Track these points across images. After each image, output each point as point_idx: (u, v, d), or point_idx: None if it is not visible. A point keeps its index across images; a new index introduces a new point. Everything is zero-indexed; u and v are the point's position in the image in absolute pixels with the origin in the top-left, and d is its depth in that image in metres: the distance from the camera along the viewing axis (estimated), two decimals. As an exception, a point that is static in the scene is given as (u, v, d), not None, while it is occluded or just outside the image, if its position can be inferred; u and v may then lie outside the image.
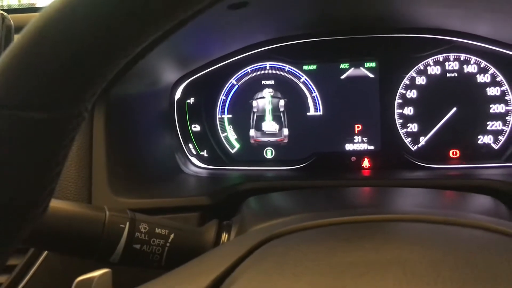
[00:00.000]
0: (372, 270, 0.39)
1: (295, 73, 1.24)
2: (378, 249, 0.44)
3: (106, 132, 0.91)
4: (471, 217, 0.56)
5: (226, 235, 0.72)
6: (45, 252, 0.85)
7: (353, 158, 1.21)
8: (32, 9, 1.44)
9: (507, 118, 1.17)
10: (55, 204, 0.63)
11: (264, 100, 1.25)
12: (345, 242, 0.47)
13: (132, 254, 0.66)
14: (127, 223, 0.66)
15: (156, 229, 0.68)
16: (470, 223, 0.51)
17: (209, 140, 1.27)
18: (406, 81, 1.20)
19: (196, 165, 1.25)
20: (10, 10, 1.43)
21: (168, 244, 0.68)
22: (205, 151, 1.27)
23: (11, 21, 0.86)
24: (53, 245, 0.64)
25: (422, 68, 1.20)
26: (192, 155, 1.26)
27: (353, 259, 0.42)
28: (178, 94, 1.24)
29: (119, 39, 0.37)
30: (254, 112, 1.25)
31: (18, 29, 0.79)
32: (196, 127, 1.26)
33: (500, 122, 1.17)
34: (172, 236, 0.68)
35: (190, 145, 1.26)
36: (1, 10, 0.86)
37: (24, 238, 0.43)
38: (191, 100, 1.26)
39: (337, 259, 0.42)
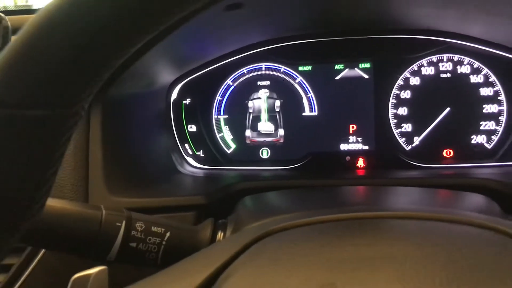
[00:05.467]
0: (364, 266, 0.40)
1: (291, 74, 1.25)
2: (371, 245, 0.45)
3: (103, 132, 0.92)
4: (463, 214, 0.57)
5: (222, 234, 0.73)
6: (42, 251, 0.86)
7: (348, 158, 1.23)
8: (28, 11, 1.44)
9: (499, 118, 1.18)
10: (52, 202, 0.63)
11: (260, 101, 1.26)
12: (337, 238, 0.48)
13: (129, 252, 0.67)
14: (124, 222, 0.67)
15: (152, 227, 0.69)
16: (461, 220, 0.52)
17: (205, 141, 1.28)
18: (400, 81, 1.21)
19: (192, 165, 1.25)
20: (6, 12, 1.44)
21: (164, 243, 0.68)
22: (201, 151, 1.28)
23: (8, 22, 0.87)
24: (50, 243, 0.65)
25: (416, 68, 1.21)
26: (188, 155, 1.26)
27: (345, 255, 0.43)
28: (174, 95, 1.25)
29: (116, 39, 0.38)
30: (250, 113, 1.26)
31: (15, 30, 0.79)
32: (192, 128, 1.27)
33: (493, 122, 1.18)
34: (168, 234, 0.69)
35: (186, 145, 1.27)
36: (-1, 11, 0.87)
37: (22, 235, 0.44)
38: (188, 101, 1.27)
39: (329, 255, 0.43)
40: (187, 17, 0.66)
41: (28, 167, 0.40)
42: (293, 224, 0.53)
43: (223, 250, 0.49)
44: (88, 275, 0.54)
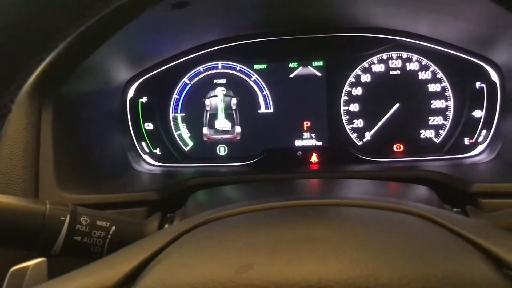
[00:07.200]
0: (283, 248, 0.42)
1: (246, 72, 1.27)
2: (294, 229, 0.47)
3: (54, 129, 0.92)
4: (393, 201, 0.59)
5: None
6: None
7: (299, 153, 1.26)
8: None
9: (447, 113, 1.23)
10: None
11: (217, 99, 1.28)
12: (264, 225, 0.50)
13: (73, 245, 0.67)
14: (68, 216, 0.67)
15: (97, 221, 0.69)
16: (387, 206, 0.55)
17: (162, 138, 1.29)
18: (351, 79, 1.25)
19: (149, 163, 1.26)
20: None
21: (109, 236, 0.69)
22: (158, 149, 1.28)
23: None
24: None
25: (367, 66, 1.24)
26: (145, 153, 1.27)
27: (267, 239, 0.45)
28: (131, 93, 1.25)
29: (34, 35, 0.39)
30: (207, 110, 1.28)
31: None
32: (149, 126, 1.28)
33: (441, 117, 1.23)
34: (113, 228, 0.70)
35: (143, 144, 1.27)
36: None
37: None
38: (144, 99, 1.27)
39: (252, 240, 0.45)
40: (127, 18, 0.67)
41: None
42: (227, 213, 0.55)
43: (157, 239, 0.50)
44: (26, 267, 0.55)
